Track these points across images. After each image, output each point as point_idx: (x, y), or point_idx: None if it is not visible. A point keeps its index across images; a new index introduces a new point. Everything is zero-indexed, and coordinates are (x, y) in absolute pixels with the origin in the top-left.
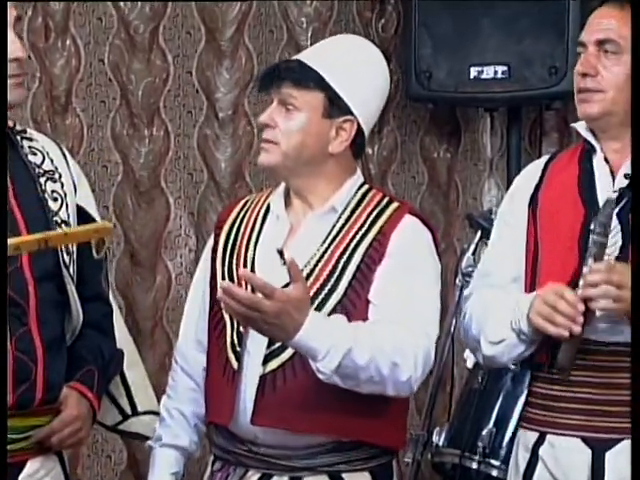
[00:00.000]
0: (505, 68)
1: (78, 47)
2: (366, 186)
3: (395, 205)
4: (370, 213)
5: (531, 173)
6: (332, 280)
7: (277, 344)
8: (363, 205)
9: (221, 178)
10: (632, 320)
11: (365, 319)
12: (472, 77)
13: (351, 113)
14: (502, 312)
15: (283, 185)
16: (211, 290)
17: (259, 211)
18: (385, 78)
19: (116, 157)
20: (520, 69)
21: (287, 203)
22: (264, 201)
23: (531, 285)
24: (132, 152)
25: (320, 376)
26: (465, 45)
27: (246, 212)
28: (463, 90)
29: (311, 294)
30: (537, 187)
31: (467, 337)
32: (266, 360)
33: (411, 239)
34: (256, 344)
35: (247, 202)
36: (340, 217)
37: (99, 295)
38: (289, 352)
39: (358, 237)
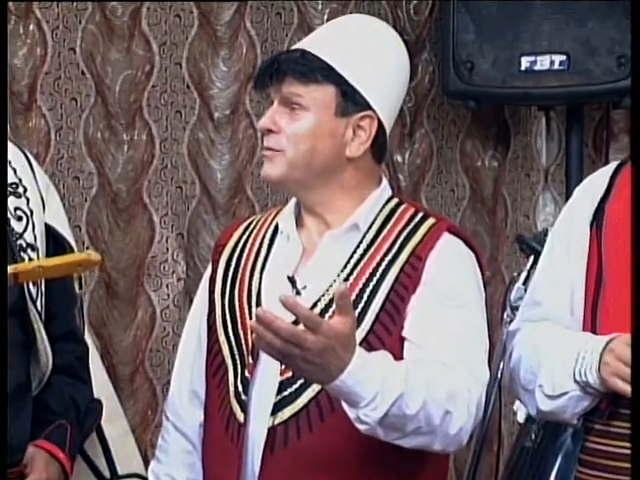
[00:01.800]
0: (563, 58)
1: (44, 33)
2: (395, 199)
3: (431, 221)
4: (401, 231)
5: (595, 184)
6: (356, 312)
7: (289, 390)
8: (392, 222)
9: (216, 192)
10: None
11: (396, 359)
12: (523, 69)
13: (370, 108)
14: (560, 357)
15: (294, 201)
16: (209, 329)
17: (265, 232)
18: (405, 64)
19: (89, 166)
20: (582, 59)
21: (299, 222)
22: (272, 221)
23: (592, 319)
24: (109, 160)
25: (360, 426)
26: (515, 30)
27: (250, 234)
28: (512, 84)
29: None
30: (602, 200)
31: (514, 385)
32: (276, 409)
33: (451, 263)
34: (264, 390)
35: (251, 223)
36: (364, 237)
37: (72, 333)
38: (304, 399)
39: (387, 261)
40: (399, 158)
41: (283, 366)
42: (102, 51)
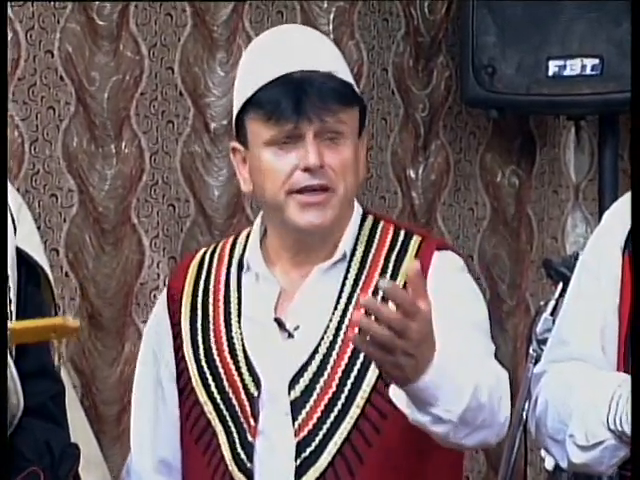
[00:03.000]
0: (596, 62)
1: (17, 33)
2: (369, 217)
3: (417, 239)
4: (388, 254)
5: (626, 206)
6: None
7: (308, 450)
8: (375, 244)
9: (213, 211)
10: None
11: None
12: (551, 74)
13: (365, 124)
14: (592, 403)
15: (256, 230)
16: (180, 392)
17: (228, 272)
18: None
19: (70, 183)
20: (616, 63)
21: (266, 256)
22: (230, 255)
23: (625, 356)
24: (92, 176)
25: (437, 428)
26: (541, 31)
27: (208, 275)
28: (538, 92)
29: (339, 372)
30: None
31: (541, 435)
32: (299, 474)
33: (451, 275)
34: (279, 455)
35: (203, 260)
36: (350, 265)
37: (45, 369)
38: (327, 456)
39: None
40: (412, 173)
41: (297, 424)
42: (84, 54)
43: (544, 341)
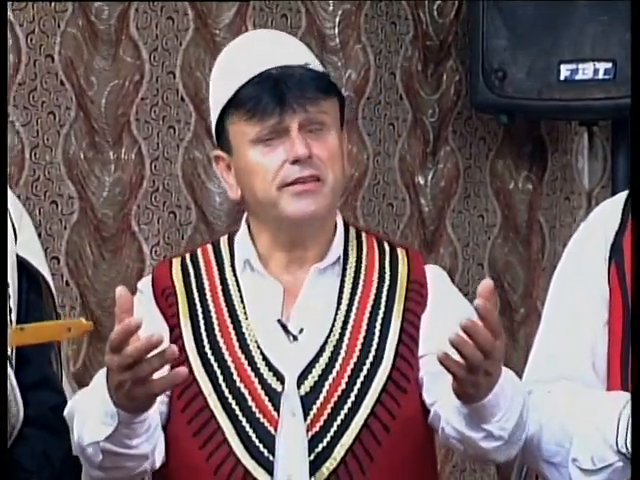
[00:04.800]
0: (609, 65)
1: (17, 38)
2: (352, 227)
3: (402, 251)
4: (381, 260)
5: (606, 216)
6: (372, 349)
7: (321, 445)
8: (365, 251)
9: (215, 218)
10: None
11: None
12: (563, 78)
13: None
14: (594, 425)
15: (244, 234)
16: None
17: (221, 270)
18: None
19: (70, 189)
20: (630, 67)
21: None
22: (216, 255)
23: (622, 371)
24: (92, 182)
25: (489, 444)
26: (553, 34)
27: (197, 275)
28: (550, 96)
29: (349, 371)
30: (618, 234)
31: (534, 456)
32: (313, 469)
33: (448, 286)
34: (293, 449)
35: (183, 263)
36: (346, 267)
37: (47, 380)
38: (339, 452)
39: (385, 289)
40: (421, 180)
41: (309, 419)
42: (84, 58)
43: None
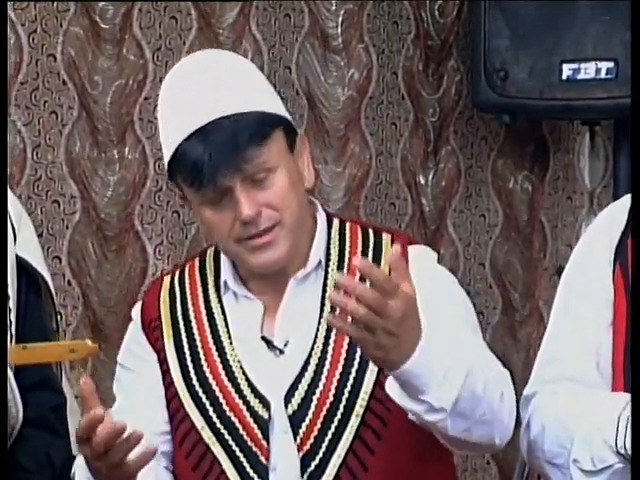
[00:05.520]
0: (611, 65)
1: (19, 37)
2: (335, 220)
3: (388, 237)
4: (364, 255)
5: (612, 217)
6: (357, 356)
7: (313, 464)
8: (348, 246)
9: None
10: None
11: None
12: (565, 78)
13: (293, 127)
14: (595, 426)
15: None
16: (170, 419)
17: (206, 293)
18: None
19: (72, 189)
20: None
21: (238, 272)
22: (202, 276)
23: (625, 372)
24: (95, 182)
25: (431, 417)
26: (555, 33)
27: (184, 300)
28: (552, 96)
29: (335, 382)
30: (624, 234)
31: (537, 457)
32: None
33: (430, 269)
34: (285, 473)
35: (172, 286)
36: (327, 271)
37: (46, 381)
38: (332, 468)
39: None
40: (422, 179)
41: (299, 438)
42: (87, 58)
43: None
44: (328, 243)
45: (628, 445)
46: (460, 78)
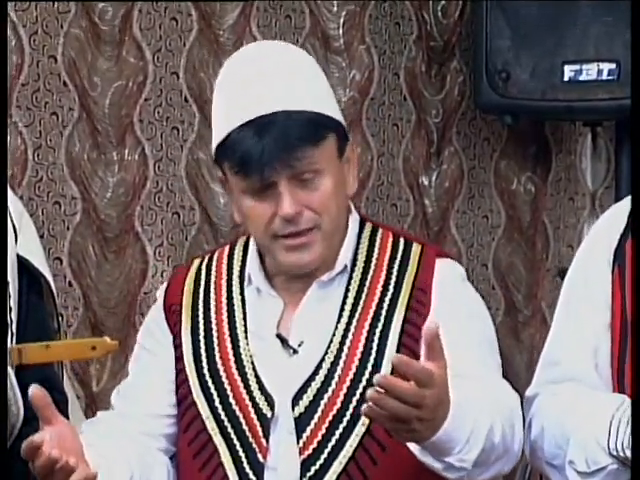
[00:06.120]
0: (613, 66)
1: (20, 38)
2: (368, 225)
3: (417, 247)
4: (390, 264)
5: (613, 220)
6: (369, 365)
7: (313, 469)
8: (376, 254)
9: (219, 219)
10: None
11: None
12: (567, 79)
13: (348, 137)
14: (590, 427)
15: (253, 244)
16: (178, 403)
17: (230, 285)
18: None
19: (73, 190)
20: None
21: (265, 268)
22: (229, 266)
23: (619, 375)
24: (95, 183)
25: (451, 475)
26: (557, 34)
27: (207, 288)
28: (554, 97)
29: (345, 389)
30: (623, 237)
31: (538, 458)
32: None
33: (456, 285)
34: (284, 474)
35: (199, 272)
36: (352, 276)
37: (47, 380)
38: (332, 475)
39: (387, 300)
40: (425, 180)
41: (302, 441)
42: (88, 59)
43: None
44: (357, 248)
45: (620, 447)
46: (462, 79)
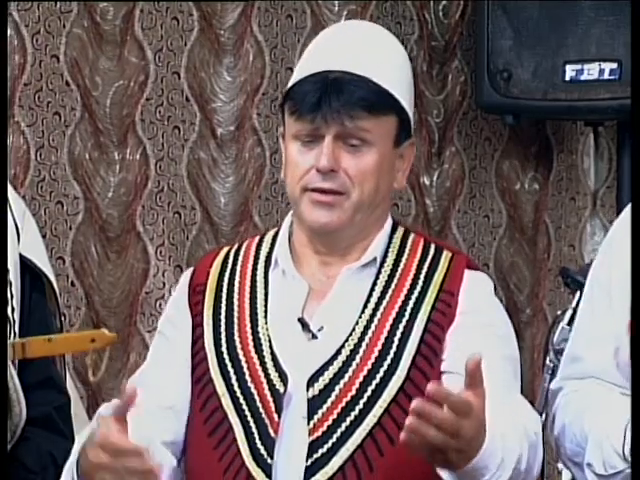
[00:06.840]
0: (614, 66)
1: (23, 38)
2: (400, 228)
3: (448, 254)
4: (420, 265)
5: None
6: (389, 358)
7: (320, 451)
8: (406, 254)
9: (220, 218)
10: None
11: None
12: (568, 79)
13: (411, 134)
14: (605, 431)
15: (285, 229)
16: (195, 382)
17: (255, 268)
18: None
19: (75, 190)
20: None
21: (293, 254)
22: (257, 251)
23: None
24: (97, 183)
25: None
26: (558, 34)
27: (233, 271)
28: (555, 97)
29: (361, 377)
30: None
31: (561, 453)
32: (308, 474)
33: (484, 296)
34: (292, 452)
35: (228, 256)
36: (380, 271)
37: (50, 380)
38: (338, 460)
39: (414, 298)
40: (426, 180)
41: (312, 423)
42: (90, 59)
43: (561, 351)
44: (388, 245)
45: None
46: (464, 79)
